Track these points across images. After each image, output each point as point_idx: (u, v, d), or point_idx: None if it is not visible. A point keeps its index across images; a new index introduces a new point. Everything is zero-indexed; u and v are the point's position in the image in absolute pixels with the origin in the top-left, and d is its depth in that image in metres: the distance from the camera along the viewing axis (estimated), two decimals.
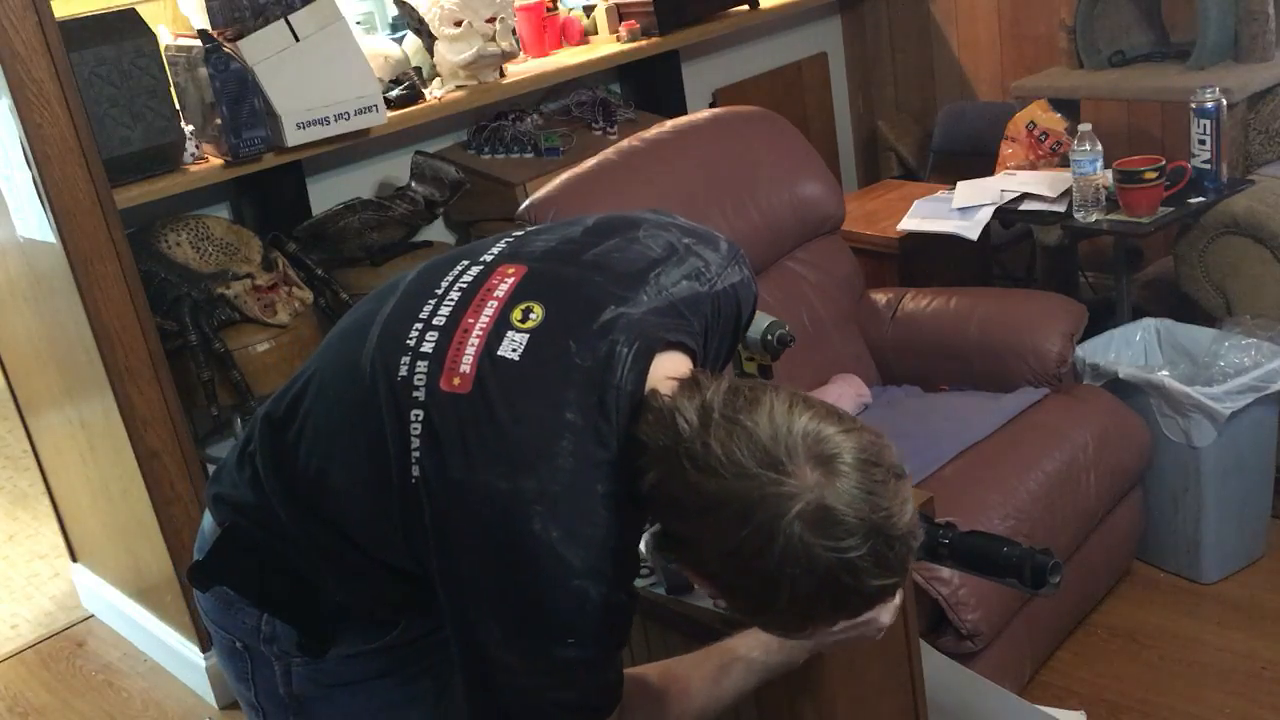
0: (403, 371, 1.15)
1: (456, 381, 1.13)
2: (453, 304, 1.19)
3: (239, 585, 1.28)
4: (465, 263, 1.24)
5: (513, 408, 1.10)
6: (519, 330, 1.14)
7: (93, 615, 3.19)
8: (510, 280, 1.19)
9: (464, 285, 1.20)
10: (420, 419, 1.12)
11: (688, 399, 1.08)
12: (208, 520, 1.33)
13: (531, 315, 1.15)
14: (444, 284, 1.21)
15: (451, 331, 1.16)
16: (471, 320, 1.16)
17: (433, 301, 1.20)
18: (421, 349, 1.16)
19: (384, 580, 1.23)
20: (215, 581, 1.29)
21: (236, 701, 2.68)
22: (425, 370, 1.14)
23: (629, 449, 1.10)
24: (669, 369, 1.15)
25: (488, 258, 1.24)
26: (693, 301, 1.21)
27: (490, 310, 1.16)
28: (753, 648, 1.32)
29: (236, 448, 1.31)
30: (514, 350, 1.13)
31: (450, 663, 1.19)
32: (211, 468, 2.82)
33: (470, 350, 1.14)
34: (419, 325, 1.18)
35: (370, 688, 1.32)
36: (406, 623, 1.31)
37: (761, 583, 1.03)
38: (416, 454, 1.12)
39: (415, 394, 1.14)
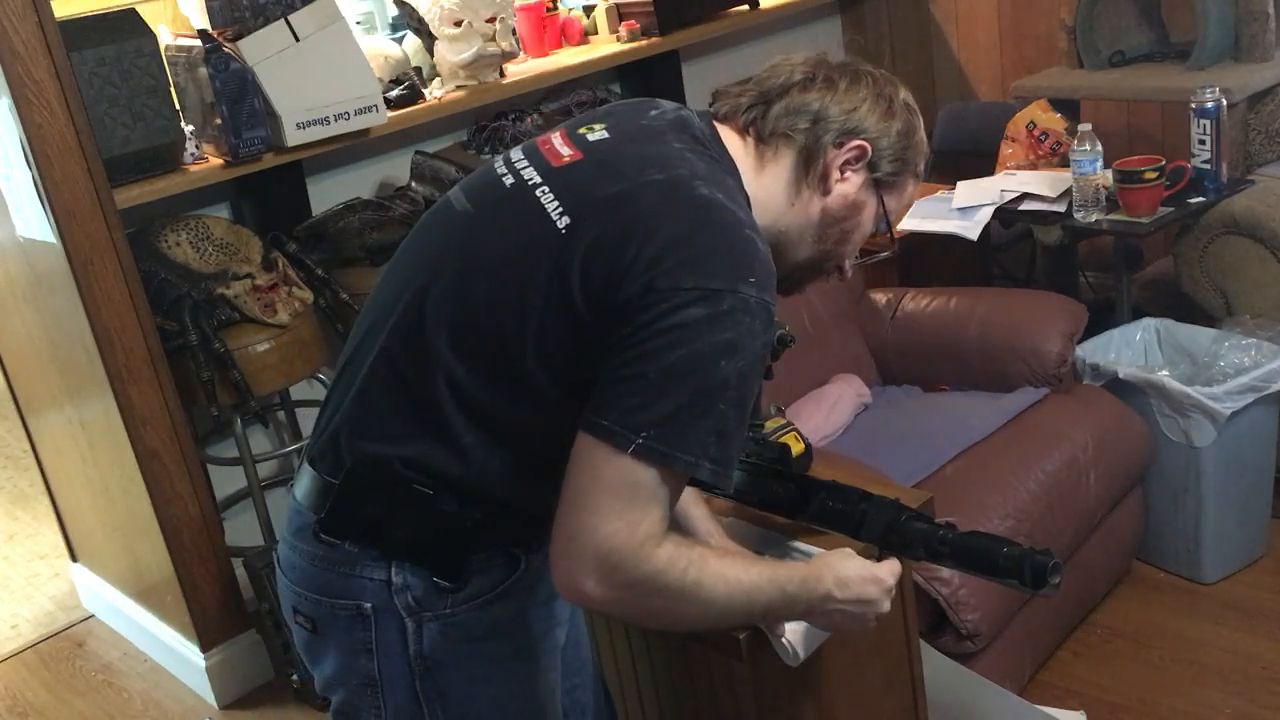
0: (509, 180, 1.26)
1: (566, 155, 1.25)
2: (524, 161, 1.28)
3: (367, 533, 1.25)
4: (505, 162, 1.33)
5: (630, 147, 1.25)
6: (594, 131, 1.28)
7: (93, 615, 3.19)
8: (559, 137, 1.31)
9: (522, 158, 1.30)
10: (546, 189, 1.22)
11: None
12: (307, 485, 1.30)
13: (596, 127, 1.30)
14: (504, 165, 1.31)
15: (536, 150, 1.28)
16: (548, 146, 1.29)
17: (503, 168, 1.29)
18: (516, 165, 1.27)
19: (535, 453, 1.23)
20: (346, 534, 1.26)
21: (236, 701, 2.71)
22: (529, 166, 1.26)
23: None
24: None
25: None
26: None
27: (558, 139, 1.29)
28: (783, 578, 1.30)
29: (344, 400, 1.28)
30: (600, 135, 1.27)
31: (567, 620, 1.29)
32: (211, 468, 2.83)
33: (560, 142, 1.28)
34: (503, 168, 1.29)
35: (497, 653, 1.31)
36: (528, 558, 1.30)
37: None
38: (557, 208, 1.20)
39: (530, 180, 1.24)
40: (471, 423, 1.22)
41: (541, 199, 1.21)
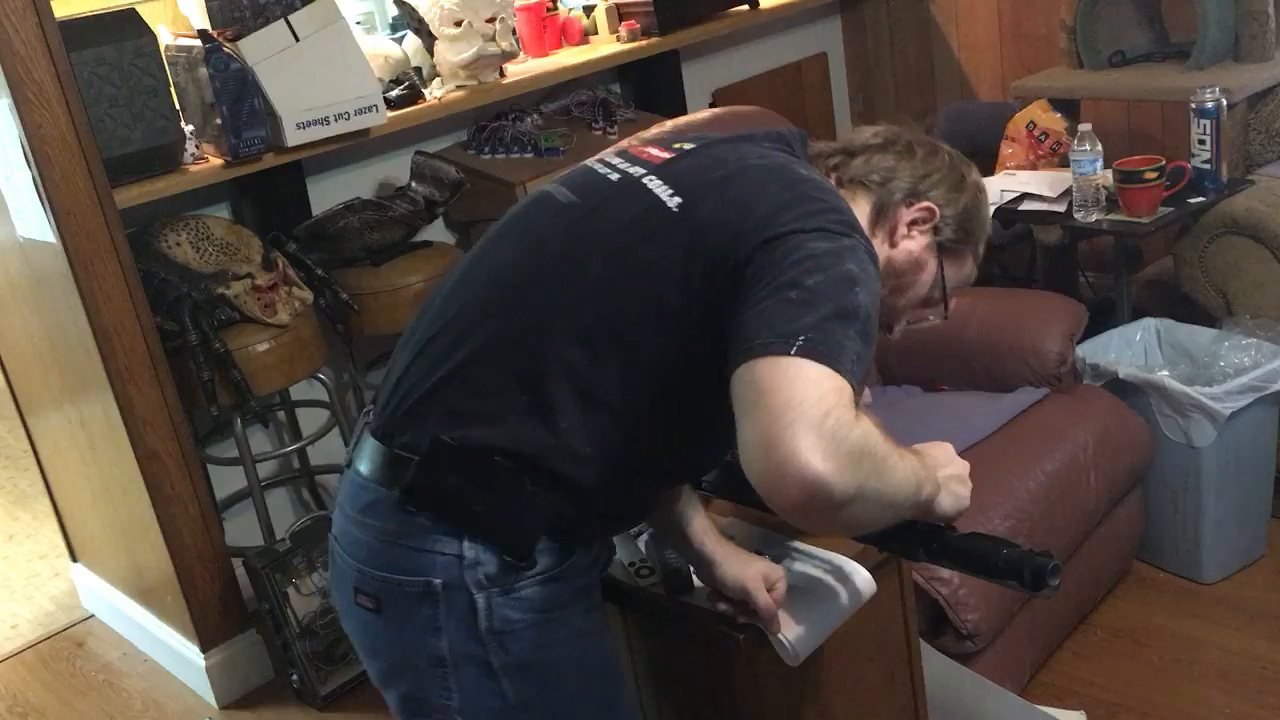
0: (614, 175, 1.32)
1: (667, 155, 1.33)
2: (623, 161, 1.35)
3: (445, 507, 1.25)
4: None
5: (728, 147, 1.34)
6: (688, 144, 1.36)
7: (93, 615, 3.19)
8: (654, 148, 1.38)
9: (620, 160, 1.37)
10: (653, 178, 1.29)
11: None
12: (377, 460, 1.29)
13: (686, 145, 1.37)
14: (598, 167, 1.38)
15: (630, 154, 1.36)
16: (645, 152, 1.36)
17: (603, 167, 1.36)
18: (616, 164, 1.34)
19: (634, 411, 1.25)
20: (427, 505, 1.26)
21: (236, 701, 2.71)
22: (632, 164, 1.33)
23: None
24: None
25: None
26: None
27: (653, 149, 1.36)
28: None
29: (426, 384, 1.28)
30: (694, 145, 1.36)
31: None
32: (211, 468, 2.83)
33: (656, 150, 1.35)
34: (602, 167, 1.36)
35: (565, 618, 1.31)
36: (581, 550, 1.32)
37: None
38: (668, 192, 1.26)
39: (636, 173, 1.30)
40: (576, 404, 1.23)
41: (650, 185, 1.28)
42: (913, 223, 1.42)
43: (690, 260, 1.21)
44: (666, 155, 1.34)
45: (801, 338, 1.09)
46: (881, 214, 1.41)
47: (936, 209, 1.42)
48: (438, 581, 1.25)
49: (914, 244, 1.42)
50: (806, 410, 1.05)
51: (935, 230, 1.43)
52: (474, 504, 1.24)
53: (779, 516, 1.10)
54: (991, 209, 2.92)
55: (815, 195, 1.24)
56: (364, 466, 1.31)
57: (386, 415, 1.32)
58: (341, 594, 1.35)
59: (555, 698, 1.31)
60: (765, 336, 1.11)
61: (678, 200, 1.25)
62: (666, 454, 1.34)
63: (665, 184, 1.27)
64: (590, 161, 1.39)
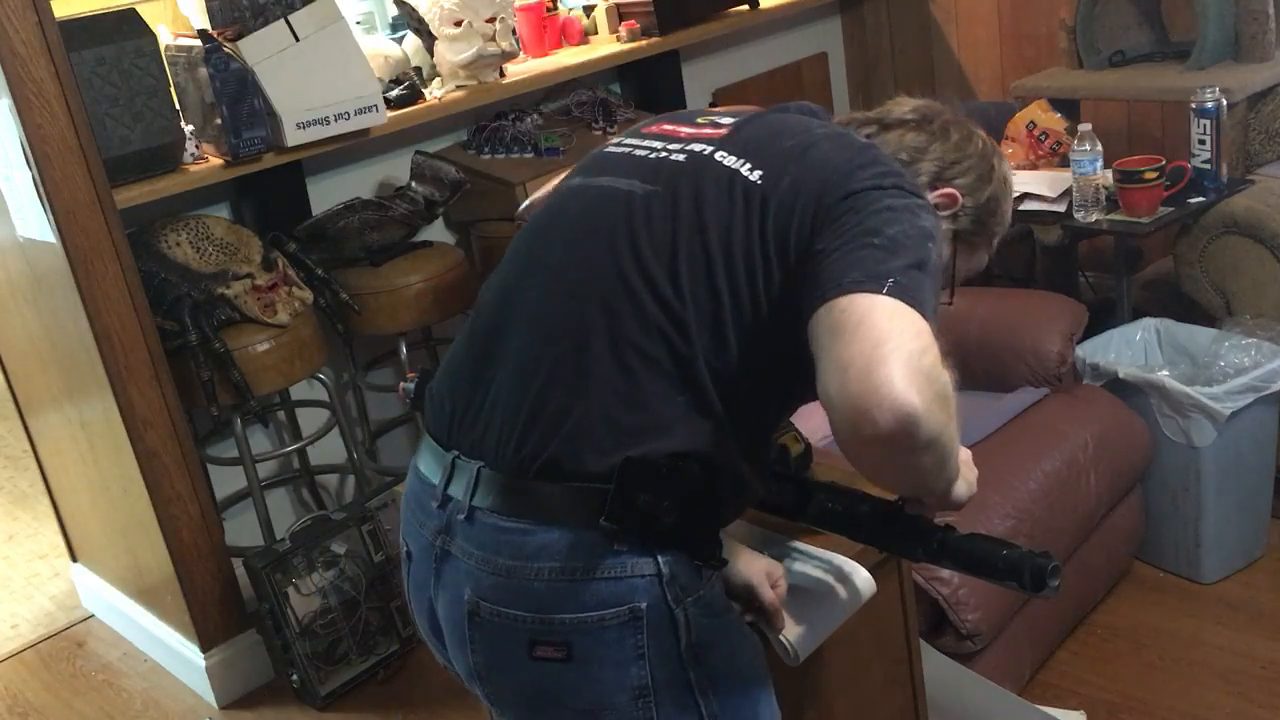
0: (678, 156, 1.30)
1: (723, 128, 1.33)
2: (670, 142, 1.34)
3: (638, 528, 1.19)
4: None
5: (777, 117, 1.36)
6: (723, 118, 1.37)
7: (93, 615, 3.20)
8: (686, 127, 1.38)
9: (664, 142, 1.36)
10: (725, 153, 1.28)
11: None
12: (520, 500, 1.21)
13: (718, 116, 1.38)
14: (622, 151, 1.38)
15: (671, 136, 1.35)
16: (686, 130, 1.36)
17: (647, 151, 1.35)
18: (669, 147, 1.32)
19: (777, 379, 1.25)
20: (630, 530, 1.19)
21: (236, 701, 2.71)
22: (688, 143, 1.31)
23: None
24: None
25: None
26: None
27: (686, 128, 1.37)
28: None
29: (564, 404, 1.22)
30: (731, 119, 1.36)
31: None
32: (211, 468, 2.83)
33: (696, 126, 1.36)
34: (646, 151, 1.34)
35: (731, 615, 1.30)
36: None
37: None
38: (745, 165, 1.26)
39: (703, 151, 1.30)
40: (719, 389, 1.21)
41: (725, 161, 1.27)
42: (935, 207, 1.37)
43: (782, 227, 1.21)
44: (721, 130, 1.32)
45: (891, 279, 1.10)
46: None
47: (959, 197, 1.39)
48: (642, 605, 1.20)
49: None
50: (905, 343, 1.05)
51: (954, 218, 1.39)
52: (665, 516, 1.19)
53: (843, 455, 1.10)
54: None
55: (884, 160, 1.27)
56: (507, 509, 1.22)
57: (513, 450, 1.22)
58: (501, 654, 1.25)
59: (744, 706, 1.29)
60: (856, 275, 1.11)
61: (759, 173, 1.25)
62: (776, 417, 1.36)
63: (737, 156, 1.27)
64: (621, 149, 1.37)
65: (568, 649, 1.21)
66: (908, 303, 1.09)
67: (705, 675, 1.24)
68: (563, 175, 1.46)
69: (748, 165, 1.26)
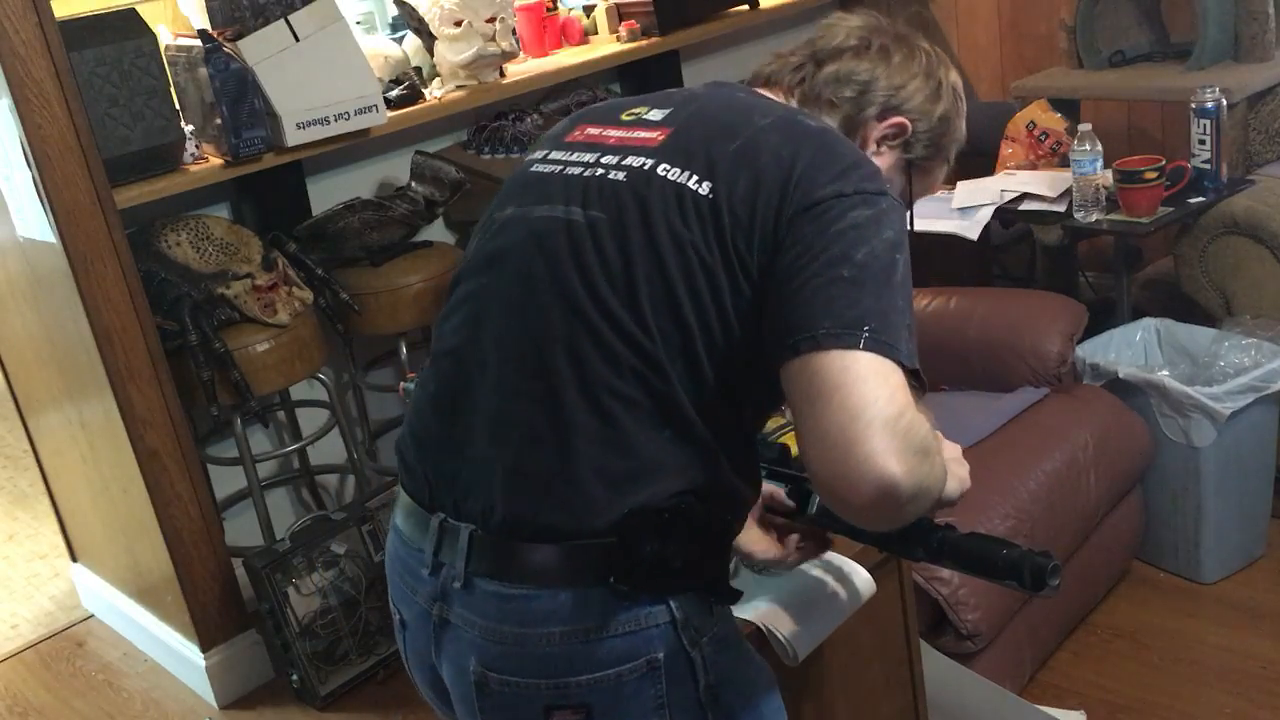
0: (617, 175, 1.21)
1: (656, 135, 1.24)
2: (604, 154, 1.26)
3: (648, 575, 1.15)
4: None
5: (713, 108, 1.26)
6: (650, 113, 1.27)
7: (93, 615, 3.20)
8: (615, 130, 1.29)
9: (595, 154, 1.26)
10: (667, 166, 1.19)
11: None
12: (519, 562, 1.16)
13: (641, 111, 1.29)
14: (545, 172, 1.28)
15: (597, 144, 1.27)
16: (613, 137, 1.27)
17: (588, 169, 1.25)
18: (602, 162, 1.24)
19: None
20: (640, 583, 1.16)
21: (236, 701, 2.71)
22: (623, 156, 1.23)
23: None
24: None
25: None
26: None
27: (615, 130, 1.28)
28: None
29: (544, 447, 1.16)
30: (661, 113, 1.27)
31: None
32: (211, 468, 2.83)
33: (624, 131, 1.26)
34: (586, 170, 1.25)
35: (742, 646, 1.28)
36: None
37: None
38: (691, 179, 1.18)
39: (643, 166, 1.21)
40: (702, 413, 1.17)
41: (669, 175, 1.19)
42: (883, 138, 1.34)
43: (740, 243, 1.15)
44: (655, 136, 1.23)
45: (866, 329, 1.07)
46: (849, 132, 1.32)
47: (909, 124, 1.33)
48: (659, 655, 1.17)
49: (882, 161, 1.34)
50: (882, 409, 1.04)
51: (906, 145, 1.35)
52: (673, 561, 1.15)
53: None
54: (991, 207, 2.93)
55: (840, 151, 1.19)
56: (508, 576, 1.17)
57: (500, 516, 1.17)
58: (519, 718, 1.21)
59: None
60: (828, 325, 1.08)
61: (708, 184, 1.17)
62: (760, 420, 1.31)
63: (681, 168, 1.18)
64: (550, 166, 1.27)
65: (586, 711, 1.17)
66: (884, 352, 1.07)
67: (723, 714, 1.22)
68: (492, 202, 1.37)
69: (694, 178, 1.17)
